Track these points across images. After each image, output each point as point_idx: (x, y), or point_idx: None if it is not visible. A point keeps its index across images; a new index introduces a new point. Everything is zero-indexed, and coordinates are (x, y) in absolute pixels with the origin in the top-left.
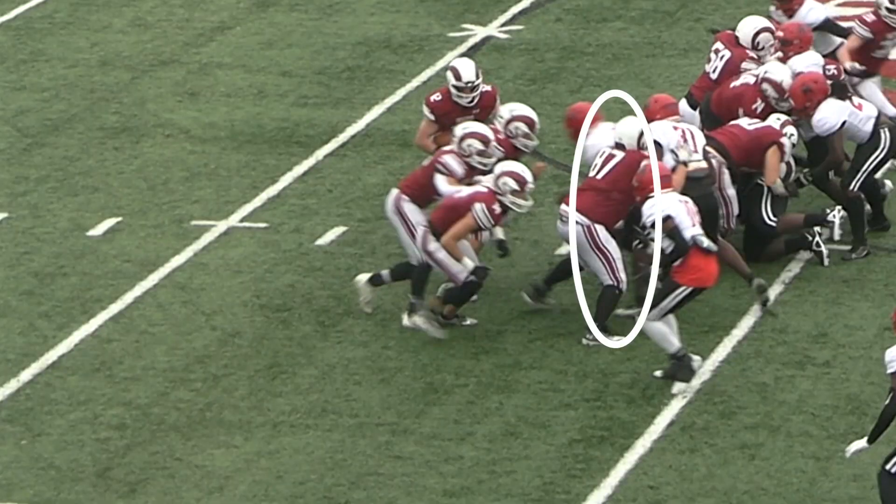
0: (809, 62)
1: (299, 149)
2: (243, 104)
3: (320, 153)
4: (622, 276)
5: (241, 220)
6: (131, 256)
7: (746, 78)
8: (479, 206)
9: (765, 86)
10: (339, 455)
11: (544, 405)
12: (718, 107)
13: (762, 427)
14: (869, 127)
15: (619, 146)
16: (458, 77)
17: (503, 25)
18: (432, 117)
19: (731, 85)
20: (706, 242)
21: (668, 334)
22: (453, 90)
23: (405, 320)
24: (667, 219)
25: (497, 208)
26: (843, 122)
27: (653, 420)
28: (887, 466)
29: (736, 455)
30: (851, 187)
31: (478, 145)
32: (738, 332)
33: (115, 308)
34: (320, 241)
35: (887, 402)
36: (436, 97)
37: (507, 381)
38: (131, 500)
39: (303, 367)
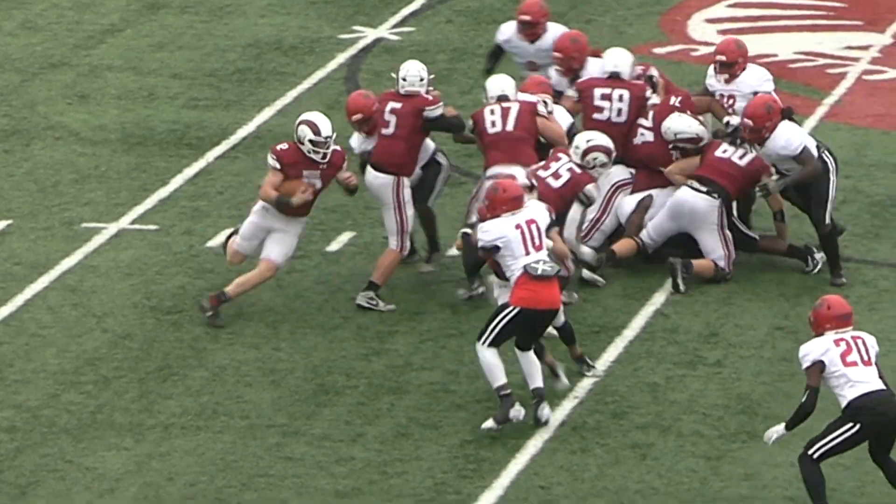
0: (761, 77)
1: (190, 151)
2: (133, 106)
3: (211, 155)
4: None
5: (132, 223)
6: (21, 259)
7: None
8: (591, 186)
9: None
10: (231, 456)
11: (436, 406)
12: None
13: (653, 427)
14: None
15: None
16: (316, 132)
17: (394, 27)
18: (278, 166)
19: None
20: (538, 270)
21: (496, 367)
22: (308, 144)
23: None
24: (493, 248)
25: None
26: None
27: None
28: (810, 452)
29: (627, 455)
30: (826, 222)
31: (603, 158)
32: (630, 332)
33: (4, 311)
34: (211, 243)
35: (803, 398)
36: (282, 146)
37: (399, 382)
38: (22, 502)
39: (193, 368)
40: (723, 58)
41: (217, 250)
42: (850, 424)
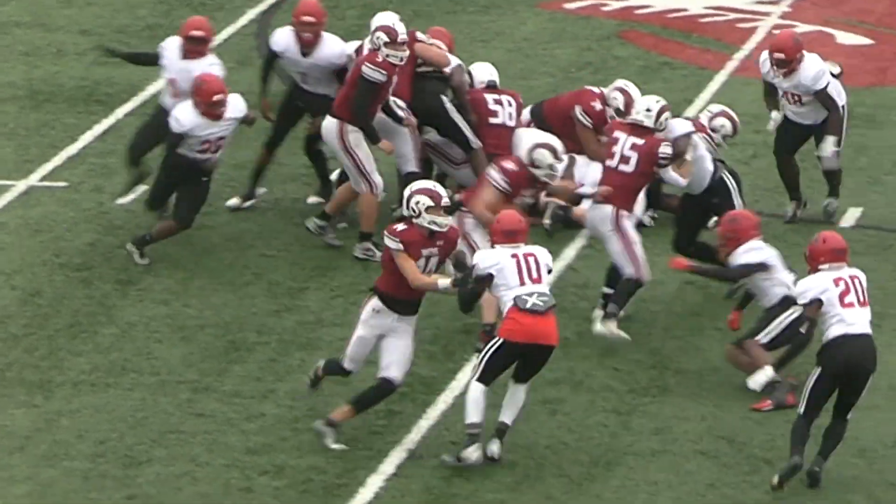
0: (821, 68)
1: (99, 107)
2: (42, 63)
3: (120, 112)
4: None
5: (41, 180)
6: None
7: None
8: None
9: (615, 94)
10: (141, 413)
11: None
12: (553, 116)
13: (564, 382)
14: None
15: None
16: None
17: None
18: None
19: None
20: (528, 303)
21: (473, 404)
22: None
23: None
24: (487, 277)
25: None
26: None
27: (454, 376)
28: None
29: (538, 410)
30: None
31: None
32: None
33: None
34: (121, 200)
35: (802, 330)
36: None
37: (310, 338)
38: None
39: (103, 325)
40: (781, 55)
41: (127, 206)
42: (817, 370)
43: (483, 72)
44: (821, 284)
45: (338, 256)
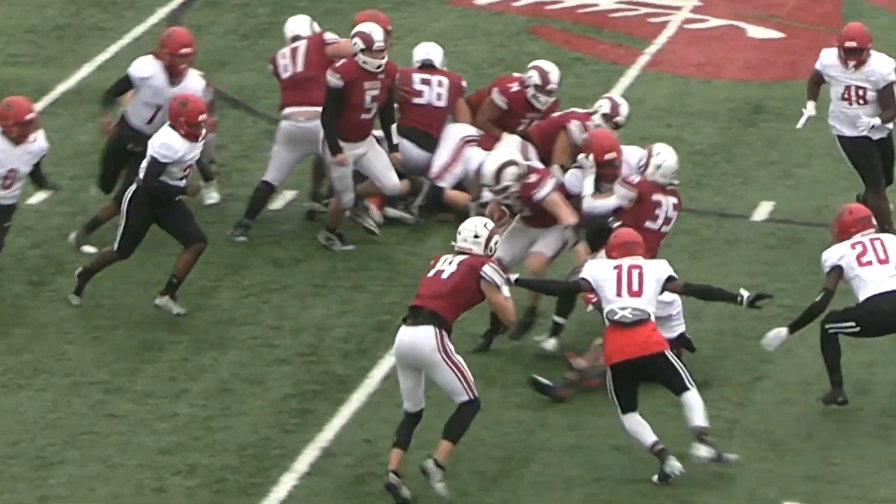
0: (889, 64)
1: None
2: None
3: None
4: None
5: None
6: None
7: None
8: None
9: (531, 72)
10: (53, 414)
11: (259, 361)
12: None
13: (479, 378)
14: None
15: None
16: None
17: None
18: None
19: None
20: (617, 315)
21: (637, 432)
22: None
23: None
24: (581, 281)
25: None
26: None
27: (368, 374)
28: (825, 325)
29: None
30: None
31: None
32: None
33: None
34: (31, 200)
35: (818, 298)
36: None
37: (222, 337)
38: None
39: (15, 326)
40: (853, 44)
41: (37, 206)
42: (853, 323)
43: (420, 51)
44: (839, 251)
45: (250, 255)
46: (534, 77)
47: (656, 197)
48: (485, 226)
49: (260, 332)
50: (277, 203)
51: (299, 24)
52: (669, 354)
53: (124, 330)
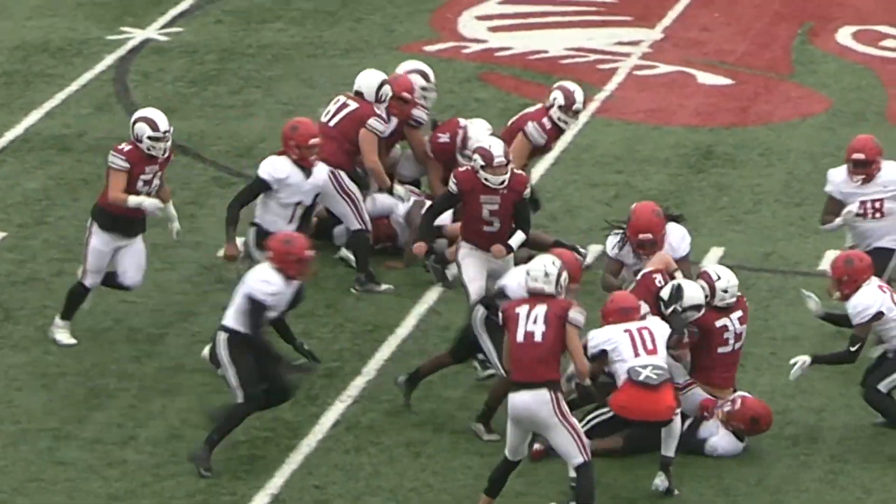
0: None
1: None
2: None
3: None
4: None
5: None
6: None
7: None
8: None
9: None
10: (1, 462)
11: (207, 407)
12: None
13: (428, 425)
14: None
15: (358, 94)
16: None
17: (162, 28)
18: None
19: None
20: (642, 375)
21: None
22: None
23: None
24: (601, 354)
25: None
26: None
27: (317, 420)
28: (878, 386)
29: (402, 453)
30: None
31: (480, 161)
32: (403, 330)
33: None
34: None
35: (853, 348)
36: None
37: (170, 384)
38: None
39: None
40: (861, 156)
41: None
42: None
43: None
44: (874, 298)
45: (198, 302)
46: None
47: (720, 322)
48: (553, 263)
49: (209, 378)
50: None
51: (366, 82)
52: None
53: (73, 377)
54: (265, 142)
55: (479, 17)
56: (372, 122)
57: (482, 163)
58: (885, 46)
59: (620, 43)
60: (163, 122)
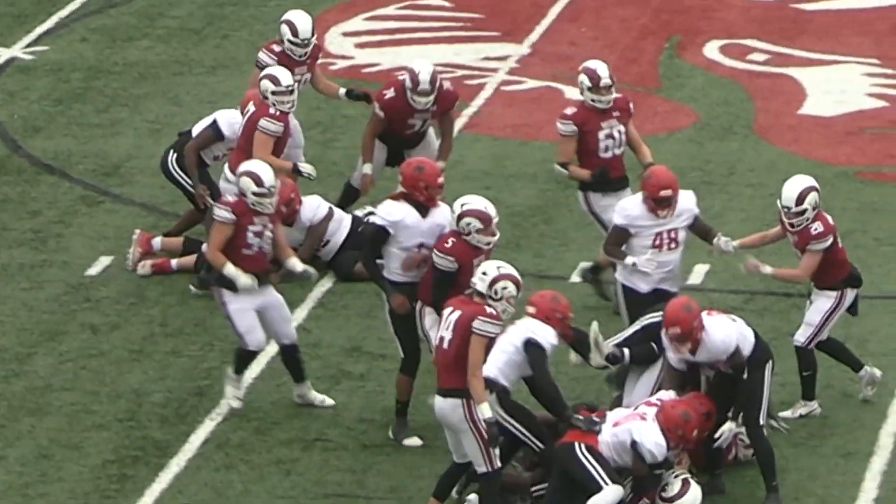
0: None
1: None
2: None
3: None
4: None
5: None
6: None
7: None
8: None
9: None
10: None
11: (77, 426)
12: None
13: (297, 441)
14: None
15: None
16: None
17: (27, 46)
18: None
19: None
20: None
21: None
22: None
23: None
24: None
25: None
26: None
27: (187, 438)
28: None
29: (272, 470)
30: None
31: (477, 224)
32: (272, 347)
33: None
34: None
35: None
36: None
37: (39, 403)
38: None
39: None
40: (668, 192)
41: None
42: None
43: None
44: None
45: (66, 321)
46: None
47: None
48: (497, 267)
49: (78, 397)
50: (94, 269)
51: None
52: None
53: None
54: (132, 160)
55: (346, 34)
56: (263, 122)
57: (479, 226)
58: (753, 60)
59: (488, 58)
60: (268, 176)
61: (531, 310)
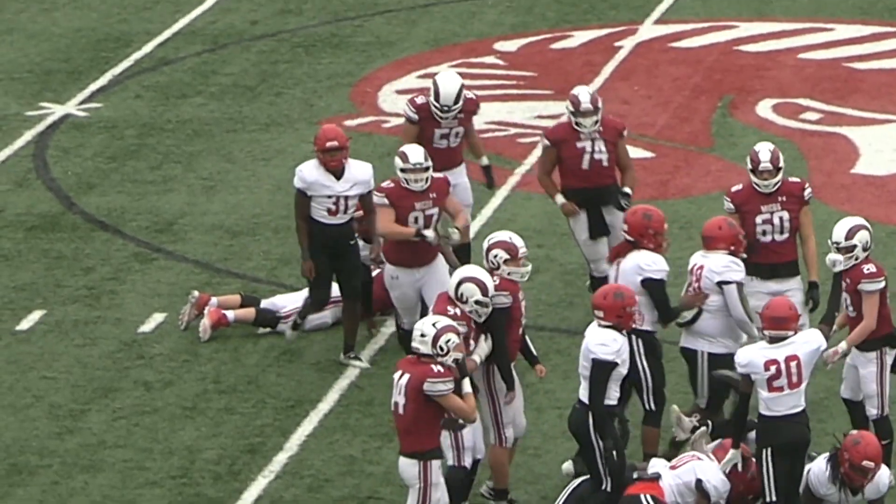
0: None
1: None
2: None
3: None
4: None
5: None
6: None
7: None
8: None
9: (567, 102)
10: None
11: (130, 483)
12: None
13: (350, 499)
14: None
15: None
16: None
17: (81, 103)
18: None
19: None
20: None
21: None
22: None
23: None
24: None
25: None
26: None
27: (240, 496)
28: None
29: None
30: None
31: (503, 255)
32: (325, 405)
33: None
34: None
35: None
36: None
37: (93, 460)
38: None
39: None
40: (871, 464)
41: None
42: None
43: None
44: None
45: (119, 378)
46: (568, 106)
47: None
48: (433, 324)
49: (131, 454)
50: (147, 326)
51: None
52: None
53: None
54: (185, 217)
55: (399, 92)
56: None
57: (506, 256)
58: (806, 119)
59: (540, 116)
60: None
61: (599, 314)
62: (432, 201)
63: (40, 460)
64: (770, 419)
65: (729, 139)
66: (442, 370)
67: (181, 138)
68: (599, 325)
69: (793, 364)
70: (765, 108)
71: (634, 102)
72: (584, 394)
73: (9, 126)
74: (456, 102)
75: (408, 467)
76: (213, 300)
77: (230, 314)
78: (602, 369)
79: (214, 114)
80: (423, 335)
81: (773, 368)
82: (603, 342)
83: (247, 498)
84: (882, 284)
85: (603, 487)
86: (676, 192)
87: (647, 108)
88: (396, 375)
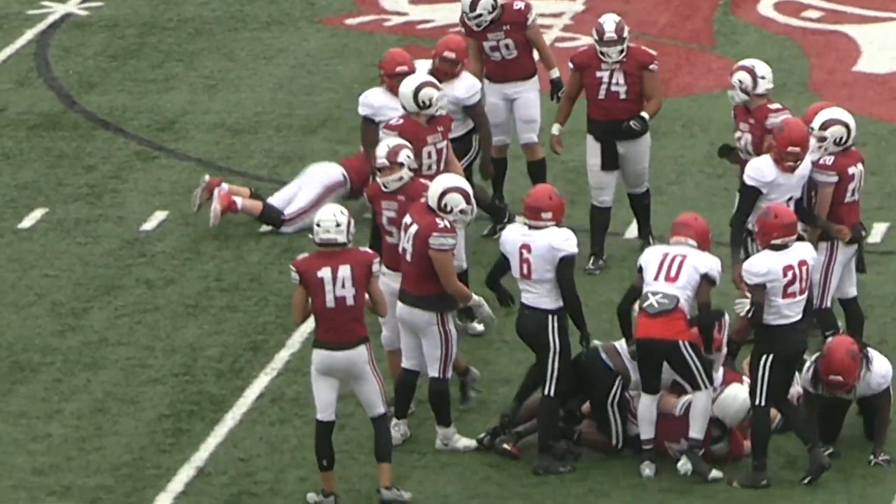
0: None
1: None
2: None
3: None
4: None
5: None
6: None
7: None
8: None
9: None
10: None
11: (132, 381)
12: None
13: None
14: None
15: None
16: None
17: (83, 2)
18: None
19: None
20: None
21: (645, 418)
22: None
23: None
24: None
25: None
26: None
27: (242, 393)
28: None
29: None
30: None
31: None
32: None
33: None
34: None
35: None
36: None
37: (95, 357)
38: None
39: None
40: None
41: None
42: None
43: None
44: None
45: (121, 276)
46: (594, 34)
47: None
48: (342, 212)
49: (133, 352)
50: (149, 224)
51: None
52: (685, 348)
53: None
54: (186, 115)
55: None
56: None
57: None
58: (807, 17)
59: (542, 15)
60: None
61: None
62: (441, 134)
63: (42, 358)
64: (777, 328)
65: (731, 37)
66: (448, 226)
67: (182, 37)
68: (547, 227)
69: (804, 269)
70: (766, 6)
71: (636, 1)
72: (535, 299)
73: (10, 25)
74: (472, 9)
75: (359, 357)
76: (224, 185)
77: (239, 201)
78: (573, 263)
79: (216, 12)
80: (338, 224)
81: (790, 274)
82: (567, 237)
83: (249, 395)
84: (834, 179)
85: (546, 393)
86: (678, 90)
87: (648, 7)
88: (326, 273)
